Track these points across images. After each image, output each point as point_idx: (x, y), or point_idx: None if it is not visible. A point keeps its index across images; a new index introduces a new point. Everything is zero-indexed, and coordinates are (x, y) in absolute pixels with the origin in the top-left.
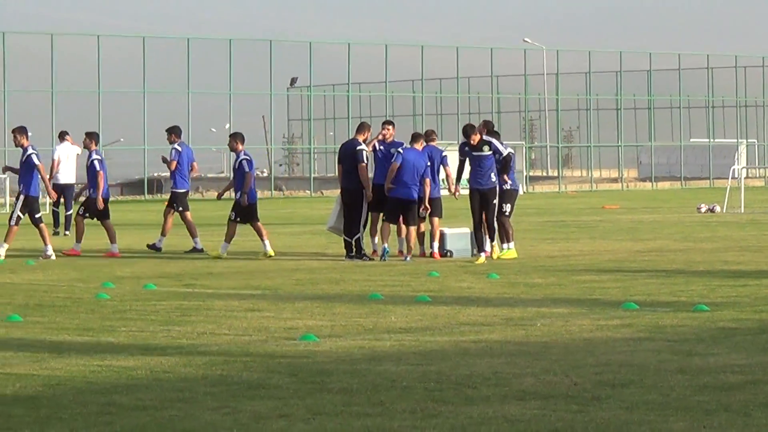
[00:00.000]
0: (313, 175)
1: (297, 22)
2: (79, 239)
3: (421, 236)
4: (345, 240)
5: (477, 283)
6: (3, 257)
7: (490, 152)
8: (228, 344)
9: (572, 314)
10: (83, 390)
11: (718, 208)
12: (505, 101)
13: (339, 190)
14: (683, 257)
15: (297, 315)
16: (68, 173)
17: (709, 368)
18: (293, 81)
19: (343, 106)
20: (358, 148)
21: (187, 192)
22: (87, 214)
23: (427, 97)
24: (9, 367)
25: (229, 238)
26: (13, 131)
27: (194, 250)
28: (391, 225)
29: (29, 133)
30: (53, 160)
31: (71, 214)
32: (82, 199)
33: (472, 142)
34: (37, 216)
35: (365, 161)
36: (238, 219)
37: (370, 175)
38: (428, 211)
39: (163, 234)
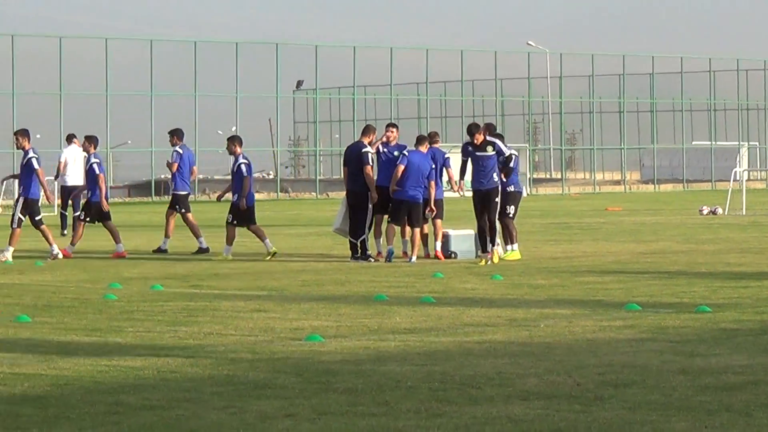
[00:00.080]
0: (318, 177)
1: (303, 26)
2: (74, 242)
3: (424, 238)
4: (350, 241)
5: (481, 284)
6: (11, 259)
7: (494, 153)
8: (234, 344)
9: (575, 315)
10: (91, 390)
11: (720, 211)
12: (509, 104)
13: (344, 192)
14: (685, 259)
15: (303, 316)
16: (76, 176)
17: (711, 369)
18: (299, 84)
19: (349, 109)
20: (364, 150)
21: (188, 194)
22: (87, 218)
23: (431, 99)
24: (18, 367)
25: (230, 240)
26: (16, 133)
27: (200, 250)
28: (395, 226)
29: (30, 136)
30: (60, 162)
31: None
32: (82, 201)
33: (476, 141)
34: (37, 218)
35: (371, 163)
36: (235, 222)
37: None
38: (434, 213)
39: (166, 236)
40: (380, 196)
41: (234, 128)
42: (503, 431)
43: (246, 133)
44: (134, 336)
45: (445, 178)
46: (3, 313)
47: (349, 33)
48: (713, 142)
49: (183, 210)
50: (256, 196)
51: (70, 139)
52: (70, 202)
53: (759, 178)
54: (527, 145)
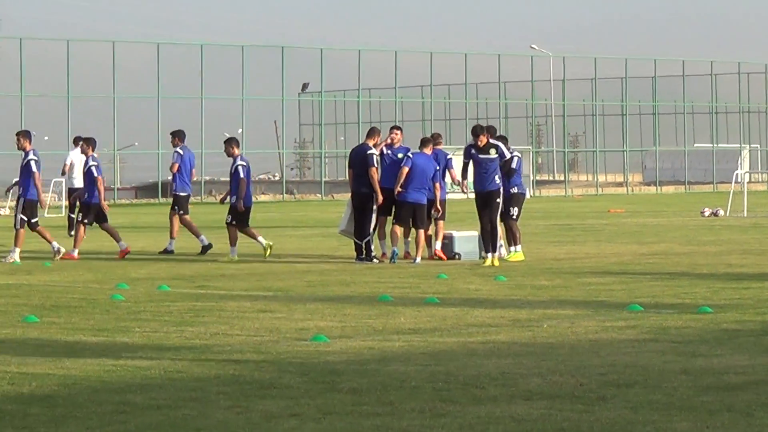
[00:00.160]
0: (324, 179)
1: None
2: (76, 245)
3: (428, 239)
4: (355, 243)
5: (485, 285)
6: (18, 260)
7: (496, 156)
8: (240, 345)
9: (578, 316)
10: (98, 389)
11: (721, 212)
12: (513, 107)
13: (350, 194)
14: (687, 260)
15: (308, 316)
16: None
17: (713, 369)
18: (305, 86)
19: (354, 112)
20: (369, 152)
21: (188, 195)
22: (86, 221)
23: (435, 102)
24: (26, 367)
25: (233, 241)
26: (17, 134)
27: (204, 248)
28: (399, 228)
29: (32, 138)
30: (65, 164)
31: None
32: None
33: (479, 143)
34: (33, 220)
35: (375, 165)
36: (234, 222)
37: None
38: (440, 213)
39: (172, 237)
40: (384, 197)
41: (240, 130)
42: (507, 431)
43: (252, 135)
44: (141, 336)
45: (447, 179)
46: (11, 313)
47: (354, 36)
48: (715, 145)
49: (182, 212)
50: (262, 197)
51: (77, 141)
52: (77, 203)
53: (760, 180)
54: (530, 148)
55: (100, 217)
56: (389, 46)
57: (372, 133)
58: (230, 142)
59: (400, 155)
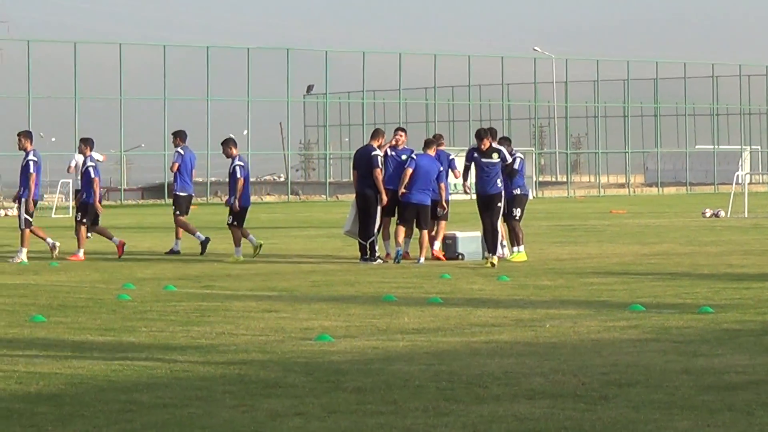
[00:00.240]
0: (328, 180)
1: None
2: (80, 245)
3: (432, 240)
4: (360, 243)
5: (488, 285)
6: (26, 260)
7: (498, 160)
8: (246, 344)
9: (580, 316)
10: (105, 388)
11: (722, 213)
12: (516, 108)
13: (354, 195)
14: (688, 261)
15: (313, 316)
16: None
17: (714, 369)
18: (309, 88)
19: (358, 113)
20: (373, 153)
21: (188, 196)
22: (85, 221)
23: (439, 104)
24: (33, 366)
25: (237, 241)
26: (19, 134)
27: (203, 245)
28: (403, 228)
29: (33, 138)
30: (70, 165)
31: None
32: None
33: (483, 146)
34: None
35: (380, 166)
36: (235, 223)
37: None
38: (445, 210)
39: (177, 237)
40: (389, 198)
41: (245, 132)
42: (509, 429)
43: (257, 136)
44: (147, 336)
45: (451, 179)
46: (19, 313)
47: (358, 39)
48: (716, 146)
49: (177, 212)
50: (267, 198)
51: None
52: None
53: (761, 181)
54: (533, 149)
55: (94, 219)
56: (393, 48)
57: (376, 134)
58: (228, 143)
59: (404, 157)
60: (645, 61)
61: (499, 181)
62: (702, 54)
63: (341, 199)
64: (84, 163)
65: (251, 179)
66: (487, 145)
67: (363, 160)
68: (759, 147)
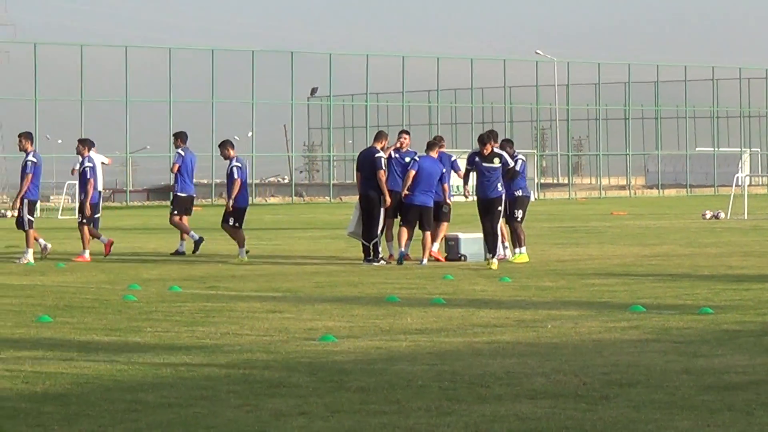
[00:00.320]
0: (332, 182)
1: (317, 35)
2: (85, 246)
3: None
4: (363, 244)
5: (490, 286)
6: (32, 261)
7: (499, 165)
8: (250, 344)
9: (582, 316)
10: (111, 388)
11: (722, 215)
12: (518, 111)
13: (358, 197)
14: (689, 262)
15: (316, 316)
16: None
17: (714, 369)
18: (313, 91)
19: (362, 116)
20: (377, 155)
21: (188, 196)
22: (85, 220)
23: (442, 106)
24: (39, 366)
25: (241, 242)
26: (19, 135)
27: (196, 245)
28: (406, 230)
29: (34, 139)
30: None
31: (98, 217)
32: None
33: (485, 151)
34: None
35: (383, 168)
36: (237, 224)
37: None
38: (449, 208)
39: (182, 238)
40: (392, 200)
41: (250, 134)
42: (511, 429)
43: (262, 138)
44: (153, 336)
45: (454, 179)
46: (26, 314)
47: (362, 42)
48: (716, 149)
49: (175, 212)
50: (271, 200)
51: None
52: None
53: (761, 183)
54: (535, 151)
55: (87, 219)
56: (397, 51)
57: (379, 136)
58: (225, 145)
59: (407, 159)
60: (646, 64)
61: (499, 185)
62: (702, 57)
63: (345, 200)
64: (81, 163)
65: (255, 181)
66: (489, 149)
67: (366, 162)
68: (759, 149)
